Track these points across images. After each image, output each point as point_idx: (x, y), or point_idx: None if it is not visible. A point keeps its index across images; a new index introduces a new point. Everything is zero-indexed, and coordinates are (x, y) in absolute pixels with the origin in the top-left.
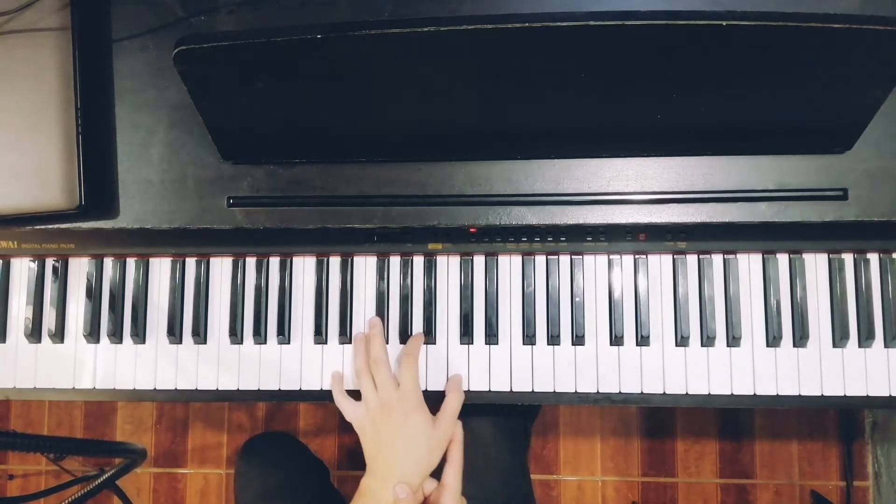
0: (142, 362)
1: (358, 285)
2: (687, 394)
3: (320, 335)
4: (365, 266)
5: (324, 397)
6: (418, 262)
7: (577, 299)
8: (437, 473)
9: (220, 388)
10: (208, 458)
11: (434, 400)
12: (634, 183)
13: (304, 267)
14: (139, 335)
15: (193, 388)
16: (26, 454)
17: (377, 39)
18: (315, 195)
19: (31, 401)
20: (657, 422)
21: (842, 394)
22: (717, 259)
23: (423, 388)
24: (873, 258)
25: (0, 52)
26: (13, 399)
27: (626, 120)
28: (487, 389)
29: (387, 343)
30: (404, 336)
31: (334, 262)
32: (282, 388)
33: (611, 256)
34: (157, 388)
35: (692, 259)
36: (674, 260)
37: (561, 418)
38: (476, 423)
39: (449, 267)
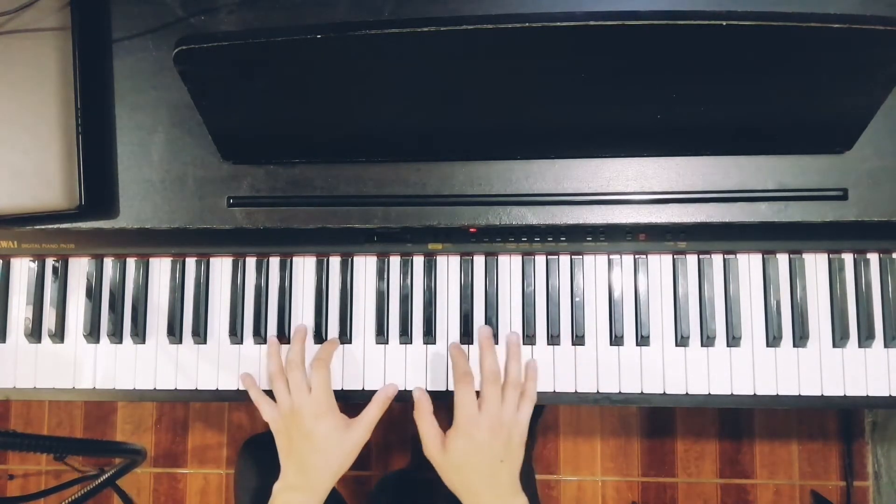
0: (142, 362)
1: (358, 285)
2: (687, 394)
3: (320, 335)
4: (365, 266)
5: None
6: (418, 262)
7: (577, 299)
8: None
9: (220, 388)
10: (208, 458)
11: (435, 399)
12: (634, 183)
13: (304, 267)
14: (139, 335)
15: (193, 388)
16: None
17: (377, 39)
18: (315, 195)
19: (31, 401)
20: (657, 422)
21: (842, 394)
22: (717, 259)
23: (424, 388)
24: (873, 258)
25: (0, 52)
26: (13, 399)
27: (626, 120)
28: None
29: (386, 344)
30: (404, 336)
31: (334, 262)
32: None
33: (611, 256)
34: (157, 388)
35: (692, 259)
36: (674, 260)
37: (561, 418)
38: None
39: (449, 267)
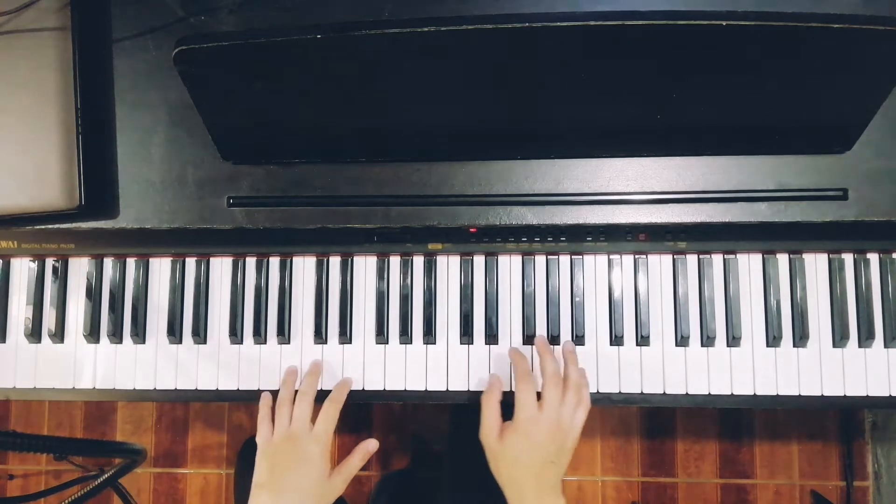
0: (142, 362)
1: (358, 285)
2: (687, 394)
3: (320, 335)
4: (365, 266)
5: (324, 397)
6: (418, 262)
7: (577, 299)
8: None
9: (220, 388)
10: (208, 458)
11: (434, 400)
12: (634, 183)
13: (304, 267)
14: (139, 335)
15: (193, 388)
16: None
17: (377, 39)
18: (315, 195)
19: (31, 401)
20: (657, 422)
21: (842, 394)
22: (717, 259)
23: (424, 388)
24: (873, 258)
25: (0, 52)
26: (13, 399)
27: (626, 120)
28: None
29: (386, 344)
30: (404, 336)
31: (334, 262)
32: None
33: (611, 256)
34: (157, 388)
35: (692, 259)
36: (674, 260)
37: None
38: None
39: (449, 267)
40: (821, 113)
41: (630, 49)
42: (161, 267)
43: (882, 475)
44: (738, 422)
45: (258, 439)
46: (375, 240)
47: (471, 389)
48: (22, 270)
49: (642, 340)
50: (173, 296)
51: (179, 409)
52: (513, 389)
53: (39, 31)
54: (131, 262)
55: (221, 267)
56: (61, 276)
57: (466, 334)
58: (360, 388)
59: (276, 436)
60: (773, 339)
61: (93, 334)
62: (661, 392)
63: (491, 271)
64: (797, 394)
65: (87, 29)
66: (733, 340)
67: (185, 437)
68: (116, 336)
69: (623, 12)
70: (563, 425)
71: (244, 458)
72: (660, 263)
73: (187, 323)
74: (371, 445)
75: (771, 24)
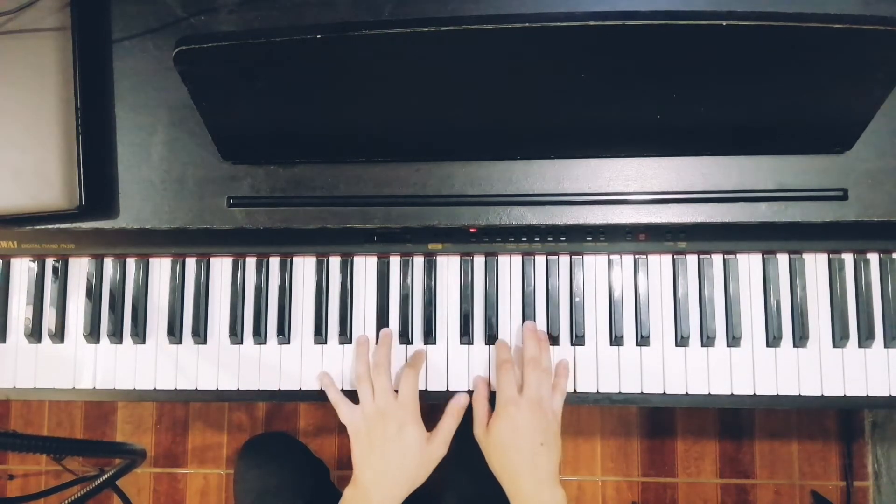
0: (142, 362)
1: (358, 285)
2: (687, 394)
3: (320, 335)
4: (365, 266)
5: (324, 397)
6: (418, 262)
7: (577, 299)
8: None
9: (220, 388)
10: (208, 458)
11: (433, 400)
12: (634, 183)
13: (304, 267)
14: (139, 335)
15: (193, 388)
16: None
17: (377, 39)
18: (315, 195)
19: (31, 401)
20: (657, 422)
21: (842, 394)
22: (717, 259)
23: (424, 388)
24: (873, 258)
25: (0, 52)
26: (13, 399)
27: (626, 120)
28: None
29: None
30: (404, 336)
31: (334, 262)
32: (282, 389)
33: (611, 256)
34: (157, 388)
35: (692, 259)
36: (674, 260)
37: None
38: None
39: (449, 267)
40: (821, 113)
41: (630, 49)
42: (161, 267)
43: (882, 475)
44: (738, 422)
45: (344, 419)
46: (375, 240)
47: (471, 389)
48: (22, 270)
49: (642, 340)
50: (173, 296)
51: (179, 409)
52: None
53: (39, 31)
54: (131, 262)
55: (221, 267)
56: (61, 276)
57: (466, 334)
58: None
59: (366, 413)
60: (773, 339)
61: (93, 334)
62: (661, 392)
63: (491, 271)
64: (797, 394)
65: (87, 29)
66: (733, 340)
67: (185, 437)
68: (116, 336)
69: (623, 12)
70: (543, 405)
71: (244, 459)
72: (660, 263)
73: (187, 323)
74: (462, 400)
75: (771, 25)
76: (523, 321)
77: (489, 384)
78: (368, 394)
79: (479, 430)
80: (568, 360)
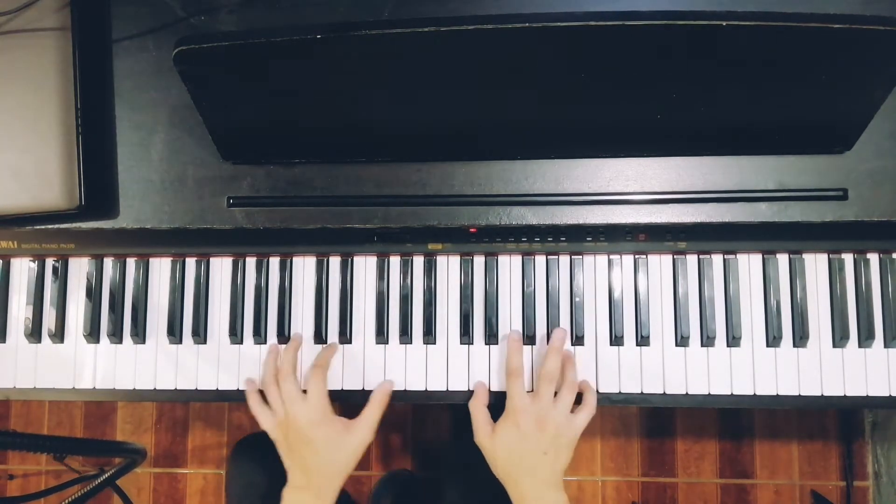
0: (142, 362)
1: (358, 285)
2: (687, 394)
3: (320, 335)
4: (365, 266)
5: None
6: (418, 262)
7: (577, 299)
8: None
9: (220, 388)
10: (208, 458)
11: (434, 400)
12: (634, 183)
13: (304, 267)
14: (139, 335)
15: (193, 388)
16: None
17: (377, 39)
18: (315, 195)
19: (31, 401)
20: (657, 422)
21: (842, 394)
22: (717, 259)
23: (424, 388)
24: (873, 258)
25: (0, 52)
26: (13, 399)
27: (626, 120)
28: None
29: (386, 344)
30: (404, 336)
31: (334, 262)
32: None
33: (611, 256)
34: (157, 388)
35: (692, 259)
36: (674, 260)
37: None
38: None
39: (449, 267)
40: (821, 113)
41: (630, 49)
42: (161, 267)
43: (882, 475)
44: (738, 422)
45: (263, 427)
46: (375, 240)
47: (471, 389)
48: (22, 270)
49: (642, 340)
50: (173, 296)
51: (179, 409)
52: (498, 390)
53: (39, 31)
54: (131, 262)
55: (221, 267)
56: (61, 276)
57: (466, 334)
58: (361, 388)
59: (277, 419)
60: (773, 339)
61: (93, 334)
62: (661, 392)
63: (491, 271)
64: (797, 394)
65: (87, 29)
66: (733, 340)
67: (185, 437)
68: (116, 336)
69: (623, 12)
70: (554, 418)
71: (236, 459)
72: (660, 263)
73: (187, 323)
74: (387, 387)
75: (771, 25)
76: (523, 321)
77: (489, 390)
78: (278, 400)
79: (482, 436)
80: (587, 370)
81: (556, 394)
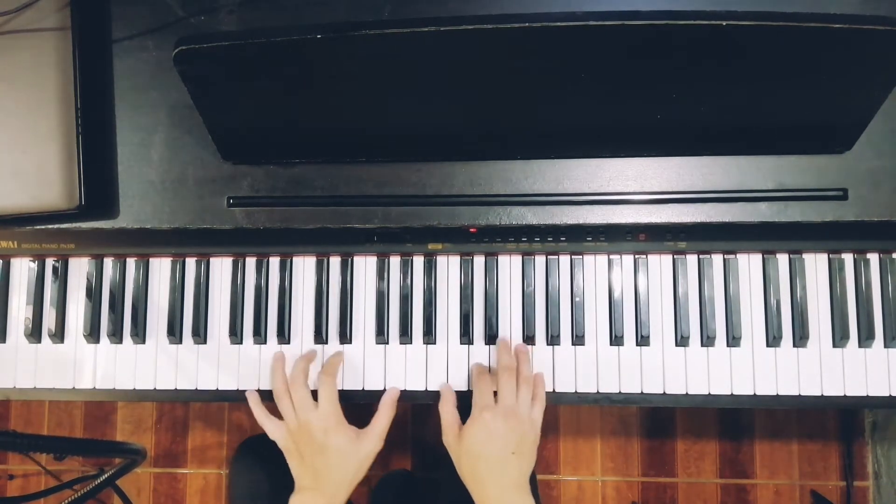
0: (142, 362)
1: (358, 285)
2: (687, 394)
3: (320, 335)
4: (365, 266)
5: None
6: (418, 262)
7: (577, 299)
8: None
9: (220, 388)
10: (208, 458)
11: (434, 399)
12: (634, 183)
13: (304, 267)
14: (139, 335)
15: (193, 388)
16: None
17: (377, 39)
18: (315, 195)
19: (31, 401)
20: (657, 422)
21: (842, 394)
22: (717, 259)
23: (423, 389)
24: (873, 258)
25: (0, 52)
26: (13, 399)
27: (626, 120)
28: None
29: (386, 344)
30: (404, 337)
31: (334, 262)
32: None
33: (611, 256)
34: (157, 388)
35: (692, 259)
36: (674, 260)
37: (561, 418)
38: None
39: (449, 267)
40: (821, 113)
41: (629, 49)
42: (161, 267)
43: (882, 475)
44: (738, 422)
45: (272, 437)
46: (375, 240)
47: (471, 389)
48: (22, 270)
49: (642, 340)
50: (173, 296)
51: (179, 409)
52: (469, 389)
53: (39, 31)
54: (131, 262)
55: (221, 267)
56: (61, 276)
57: (466, 334)
58: (360, 388)
59: (289, 428)
60: (773, 339)
61: (93, 334)
62: (661, 392)
63: (491, 271)
64: (797, 394)
65: (87, 29)
66: (733, 340)
67: (185, 437)
68: (116, 336)
69: (623, 12)
70: (519, 415)
71: (239, 461)
72: (660, 263)
73: (187, 323)
74: (393, 394)
75: (771, 24)
76: (523, 321)
77: (453, 394)
78: (290, 409)
79: (448, 437)
80: (544, 372)
81: None
